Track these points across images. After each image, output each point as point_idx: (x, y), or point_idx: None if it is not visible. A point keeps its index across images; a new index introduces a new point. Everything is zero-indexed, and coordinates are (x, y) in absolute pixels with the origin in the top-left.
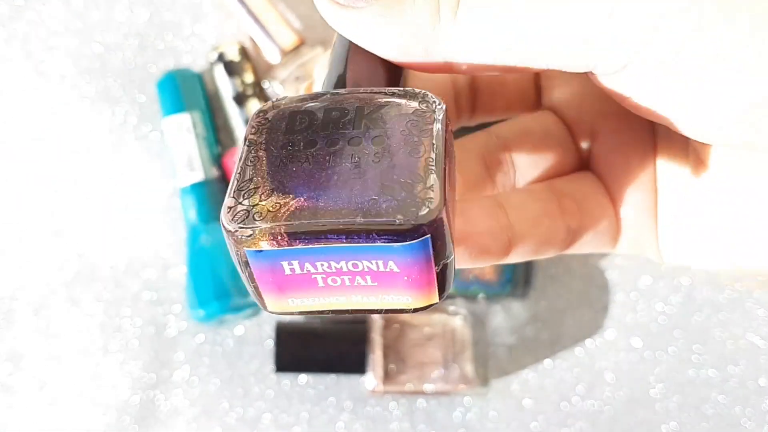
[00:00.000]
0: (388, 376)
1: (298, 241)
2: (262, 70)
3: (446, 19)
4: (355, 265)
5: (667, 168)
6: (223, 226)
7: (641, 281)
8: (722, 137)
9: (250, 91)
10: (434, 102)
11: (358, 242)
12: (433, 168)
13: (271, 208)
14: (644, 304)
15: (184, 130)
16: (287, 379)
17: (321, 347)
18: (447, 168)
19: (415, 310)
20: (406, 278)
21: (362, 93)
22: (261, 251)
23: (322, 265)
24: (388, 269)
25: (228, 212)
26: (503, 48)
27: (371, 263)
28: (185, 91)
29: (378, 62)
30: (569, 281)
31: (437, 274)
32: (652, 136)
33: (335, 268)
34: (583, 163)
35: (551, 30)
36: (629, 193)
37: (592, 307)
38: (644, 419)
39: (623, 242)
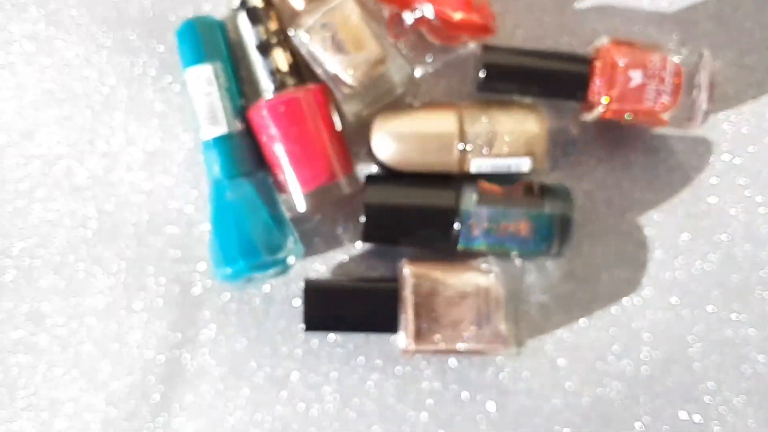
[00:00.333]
0: (419, 335)
1: None
2: (287, 17)
3: None
4: None
5: None
6: None
7: (680, 238)
8: None
9: (274, 40)
10: None
11: None
12: None
13: None
14: (682, 261)
15: (205, 82)
16: (316, 338)
17: (351, 306)
18: None
19: None
20: None
21: None
22: None
23: None
24: None
25: None
26: None
27: None
28: (206, 40)
29: None
30: (605, 239)
31: None
32: None
33: None
34: None
35: None
36: None
37: (629, 264)
38: (681, 379)
39: None
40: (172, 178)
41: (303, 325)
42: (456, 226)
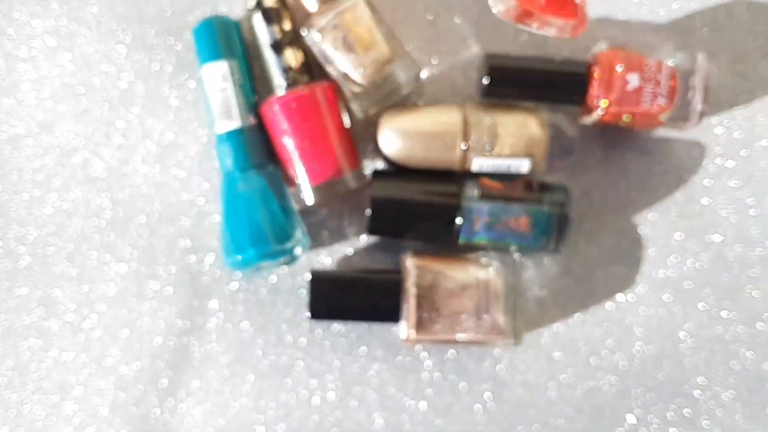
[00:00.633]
0: (420, 325)
1: None
2: (300, 18)
3: None
4: None
5: None
6: None
7: (673, 237)
8: None
9: (287, 39)
10: None
11: None
12: None
13: None
14: (675, 259)
15: (221, 78)
16: (320, 327)
17: (355, 296)
18: None
19: None
20: None
21: None
22: None
23: None
24: None
25: None
26: None
27: None
28: (222, 38)
29: None
30: (601, 236)
31: None
32: None
33: None
34: None
35: None
36: None
37: (624, 262)
38: (672, 374)
39: None
40: (185, 171)
41: (308, 314)
42: (458, 220)
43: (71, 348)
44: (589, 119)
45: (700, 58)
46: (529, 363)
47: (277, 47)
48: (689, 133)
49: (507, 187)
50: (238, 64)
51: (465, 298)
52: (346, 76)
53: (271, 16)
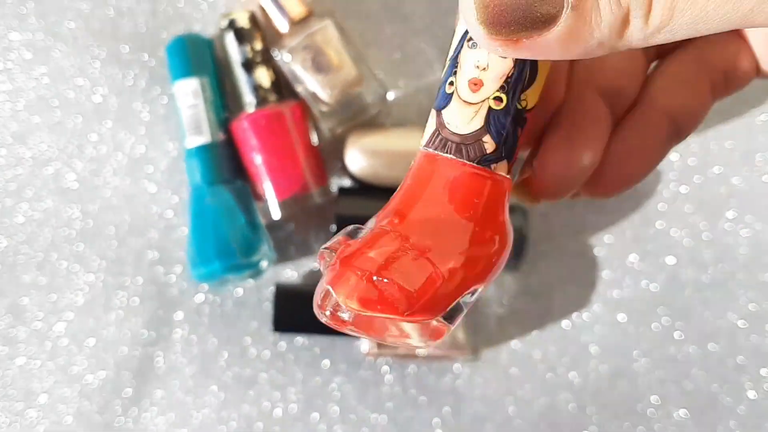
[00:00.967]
0: None
1: None
2: (271, 39)
3: (636, 26)
4: None
5: None
6: None
7: (628, 259)
8: None
9: (258, 58)
10: None
11: None
12: None
13: None
14: (630, 281)
15: (192, 94)
16: (283, 340)
17: None
18: None
19: None
20: None
21: None
22: None
23: None
24: None
25: None
26: (698, 34)
27: None
28: (195, 55)
29: None
30: (559, 257)
31: None
32: None
33: None
34: None
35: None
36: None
37: (580, 282)
38: (626, 392)
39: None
40: (155, 184)
41: (272, 326)
42: None
43: (37, 356)
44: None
45: None
46: (488, 379)
47: (248, 66)
48: None
49: None
50: (209, 81)
51: None
52: (314, 95)
53: (243, 36)
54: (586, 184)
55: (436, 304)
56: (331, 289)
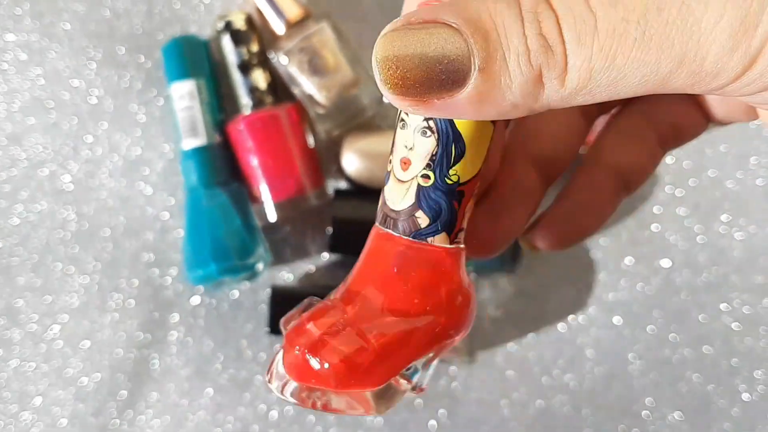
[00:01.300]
0: None
1: None
2: (268, 41)
3: (552, 87)
4: None
5: None
6: None
7: (624, 262)
8: None
9: (255, 60)
10: None
11: None
12: None
13: None
14: (626, 283)
15: (188, 96)
16: (279, 342)
17: None
18: None
19: None
20: None
21: None
22: None
23: None
24: None
25: None
26: (619, 96)
27: None
28: (191, 57)
29: None
30: (555, 259)
31: None
32: None
33: None
34: None
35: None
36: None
37: (576, 285)
38: (621, 394)
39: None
40: (151, 185)
41: (268, 328)
42: None
43: (32, 358)
44: None
45: None
46: (484, 381)
47: (245, 68)
48: None
49: None
50: (205, 83)
51: None
52: (311, 97)
53: (239, 38)
54: (540, 238)
55: (368, 376)
56: (279, 360)
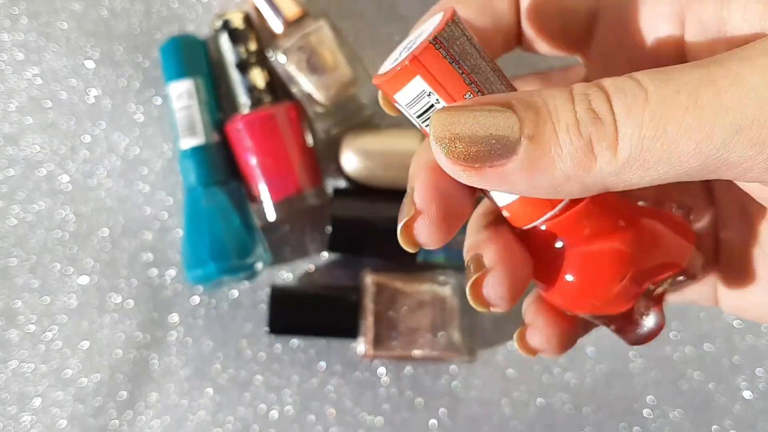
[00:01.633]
0: (378, 341)
1: None
2: (266, 40)
3: (604, 158)
4: None
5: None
6: None
7: None
8: None
9: (253, 59)
10: None
11: None
12: None
13: None
14: None
15: (186, 95)
16: (279, 342)
17: (314, 311)
18: None
19: None
20: None
21: None
22: None
23: None
24: None
25: None
26: (674, 171)
27: None
28: (189, 56)
29: None
30: None
31: None
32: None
33: None
34: None
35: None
36: None
37: None
38: (622, 392)
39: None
40: (149, 185)
41: (267, 328)
42: None
43: (31, 359)
44: None
45: None
46: (484, 380)
47: (243, 67)
48: None
49: None
50: (203, 82)
51: (422, 315)
52: (309, 96)
53: (237, 37)
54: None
55: None
56: None
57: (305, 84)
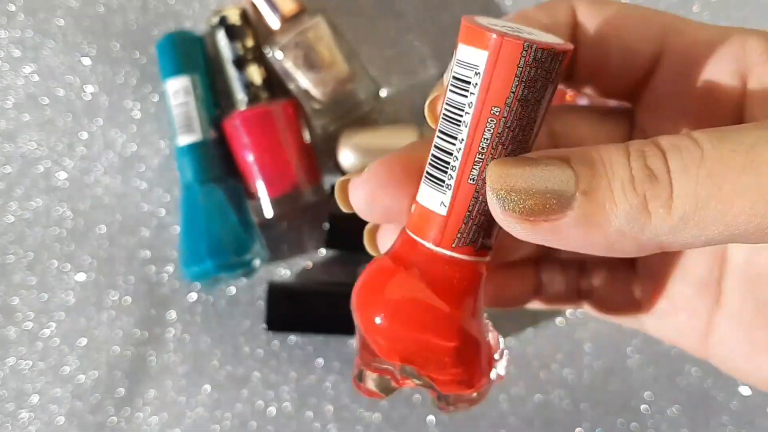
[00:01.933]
0: None
1: None
2: (263, 36)
3: (659, 217)
4: None
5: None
6: None
7: None
8: None
9: (250, 56)
10: None
11: None
12: None
13: None
14: None
15: (183, 92)
16: (277, 339)
17: (312, 308)
18: None
19: None
20: None
21: None
22: None
23: None
24: None
25: None
26: (729, 232)
27: None
28: (185, 53)
29: None
30: None
31: None
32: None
33: None
34: None
35: None
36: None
37: None
38: (620, 388)
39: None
40: (146, 182)
41: (265, 325)
42: None
43: (28, 356)
44: None
45: None
46: None
47: (240, 63)
48: None
49: None
50: (200, 79)
51: None
52: (307, 93)
53: (234, 33)
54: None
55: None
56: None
57: (302, 80)
